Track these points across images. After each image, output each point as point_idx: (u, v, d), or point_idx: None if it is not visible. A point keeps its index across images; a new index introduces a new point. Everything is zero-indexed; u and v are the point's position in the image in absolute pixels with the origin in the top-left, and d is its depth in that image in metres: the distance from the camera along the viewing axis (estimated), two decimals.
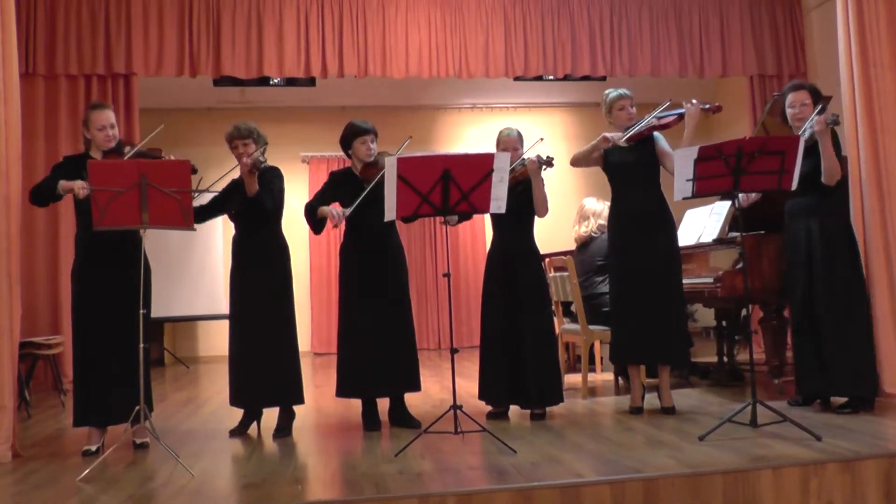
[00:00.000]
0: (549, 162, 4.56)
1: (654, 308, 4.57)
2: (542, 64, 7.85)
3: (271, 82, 9.45)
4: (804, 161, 4.29)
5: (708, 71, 8.08)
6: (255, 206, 4.46)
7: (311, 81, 9.16)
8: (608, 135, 4.66)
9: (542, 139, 4.80)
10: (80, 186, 3.92)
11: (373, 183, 4.37)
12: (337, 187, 4.68)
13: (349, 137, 4.66)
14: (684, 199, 4.10)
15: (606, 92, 4.86)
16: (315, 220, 4.63)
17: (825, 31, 7.45)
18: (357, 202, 4.40)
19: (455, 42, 7.71)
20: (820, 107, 4.45)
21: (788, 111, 4.60)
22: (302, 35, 7.45)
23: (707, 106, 4.71)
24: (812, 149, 4.42)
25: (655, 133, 4.71)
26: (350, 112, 9.42)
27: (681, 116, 4.69)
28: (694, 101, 4.67)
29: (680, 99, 4.72)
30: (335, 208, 4.52)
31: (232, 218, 4.69)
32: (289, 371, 4.55)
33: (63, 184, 4.00)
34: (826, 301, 4.41)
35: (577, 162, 4.91)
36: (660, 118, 4.70)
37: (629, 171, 4.69)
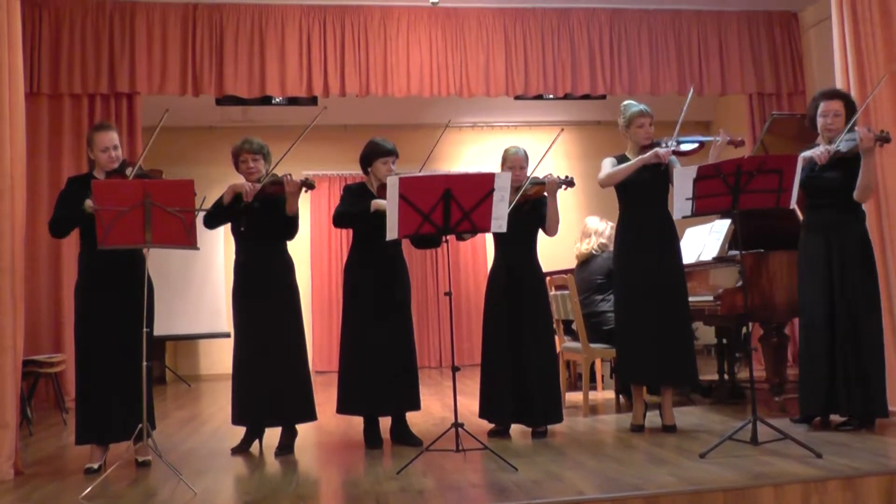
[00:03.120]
0: (569, 182, 4.57)
1: (660, 327, 4.56)
2: (543, 83, 7.89)
3: (273, 101, 9.50)
4: (831, 173, 4.26)
5: (707, 89, 8.13)
6: (265, 223, 4.50)
7: (313, 100, 9.21)
8: (661, 151, 4.47)
9: (562, 129, 4.75)
10: None
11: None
12: (356, 199, 4.64)
13: (371, 156, 4.67)
14: (684, 217, 4.12)
15: (627, 104, 4.73)
16: (360, 215, 4.51)
17: (823, 49, 7.50)
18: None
19: (456, 61, 7.76)
20: (856, 116, 4.33)
21: (819, 120, 4.45)
22: (304, 54, 7.51)
23: (729, 139, 4.57)
24: (840, 162, 4.32)
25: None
26: (352, 131, 9.48)
27: (702, 145, 4.63)
28: (722, 134, 4.54)
29: (684, 117, 4.68)
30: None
31: (236, 235, 4.66)
32: (301, 388, 4.55)
33: (89, 203, 3.97)
34: (846, 321, 4.33)
35: (612, 179, 4.65)
36: (679, 142, 4.61)
37: (642, 189, 4.64)
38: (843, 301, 4.35)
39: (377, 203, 4.46)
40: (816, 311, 4.42)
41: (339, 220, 4.62)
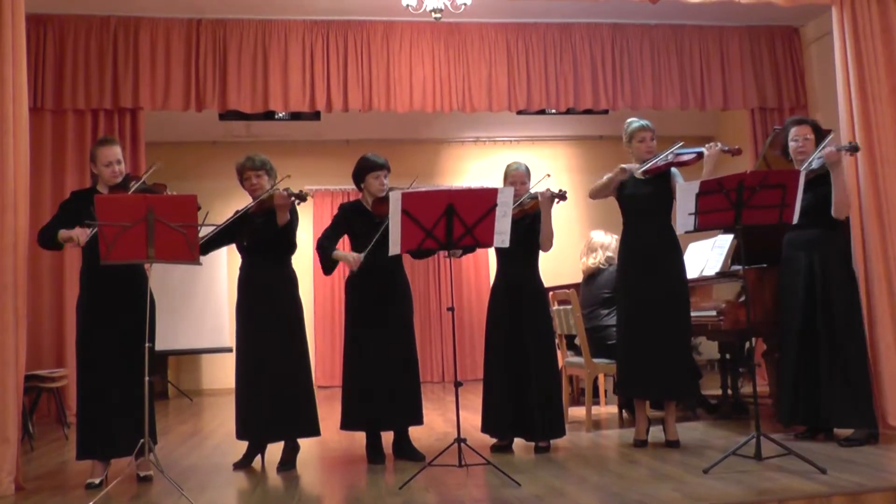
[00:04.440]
0: (562, 195, 4.59)
1: (662, 342, 4.57)
2: (545, 98, 7.88)
3: (276, 116, 9.53)
4: (805, 194, 4.34)
5: (709, 104, 8.12)
6: (268, 238, 4.50)
7: (315, 115, 9.23)
8: (625, 166, 4.69)
9: (548, 175, 4.82)
10: (77, 234, 3.98)
11: (387, 223, 4.39)
12: (348, 221, 4.72)
13: (362, 172, 4.69)
14: (686, 232, 4.13)
15: (629, 121, 4.86)
16: (328, 260, 4.64)
17: (824, 64, 7.50)
18: (372, 244, 4.42)
19: (458, 76, 7.77)
20: (829, 137, 4.50)
21: (791, 144, 4.67)
22: (307, 70, 7.52)
23: (727, 148, 4.70)
24: (813, 182, 4.45)
25: (673, 168, 4.73)
26: (354, 146, 9.49)
27: (700, 155, 4.67)
28: (715, 143, 4.70)
29: (685, 132, 4.74)
30: (351, 253, 4.55)
31: (241, 250, 4.68)
32: (305, 403, 4.53)
33: (62, 234, 4.06)
34: (825, 335, 4.46)
35: (596, 194, 4.90)
36: (678, 154, 4.68)
37: (643, 203, 4.70)
38: (824, 315, 4.49)
39: (335, 255, 4.59)
40: (796, 327, 4.58)
41: (317, 250, 4.73)
